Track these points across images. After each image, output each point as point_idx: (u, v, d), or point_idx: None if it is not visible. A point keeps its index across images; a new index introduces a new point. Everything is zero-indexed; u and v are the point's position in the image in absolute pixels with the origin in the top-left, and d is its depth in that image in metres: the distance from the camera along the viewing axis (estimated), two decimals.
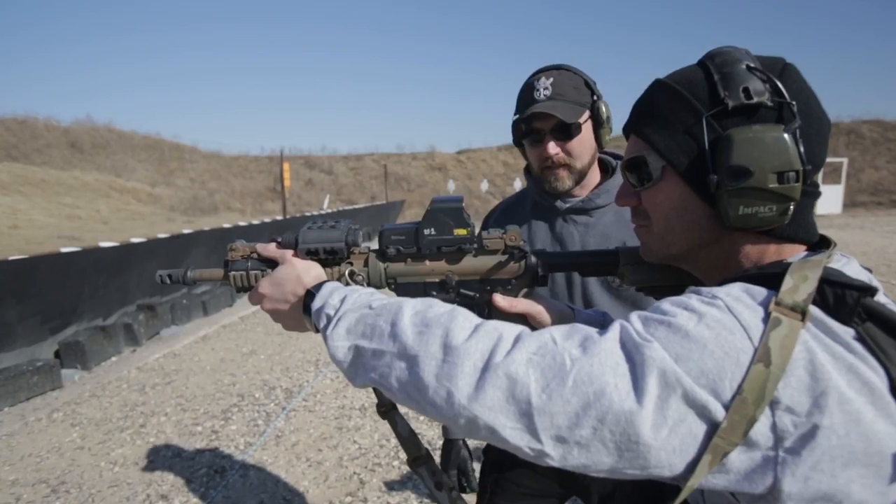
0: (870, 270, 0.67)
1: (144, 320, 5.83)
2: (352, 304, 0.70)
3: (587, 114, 1.26)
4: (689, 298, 0.59)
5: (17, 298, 4.48)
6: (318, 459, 3.24)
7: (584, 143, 1.27)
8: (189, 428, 3.72)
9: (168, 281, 0.89)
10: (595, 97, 1.28)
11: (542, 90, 1.24)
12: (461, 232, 0.81)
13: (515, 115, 1.31)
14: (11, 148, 25.21)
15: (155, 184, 26.53)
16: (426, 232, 0.81)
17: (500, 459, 1.41)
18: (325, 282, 0.78)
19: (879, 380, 0.52)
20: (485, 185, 25.32)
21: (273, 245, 0.86)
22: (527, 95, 1.26)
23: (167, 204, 23.65)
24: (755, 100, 0.62)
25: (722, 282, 0.63)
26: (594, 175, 1.33)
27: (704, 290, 0.60)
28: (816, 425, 0.50)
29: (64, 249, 5.22)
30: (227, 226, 8.62)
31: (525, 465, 1.34)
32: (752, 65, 0.64)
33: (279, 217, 12.41)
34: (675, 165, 0.67)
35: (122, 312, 5.84)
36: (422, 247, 0.82)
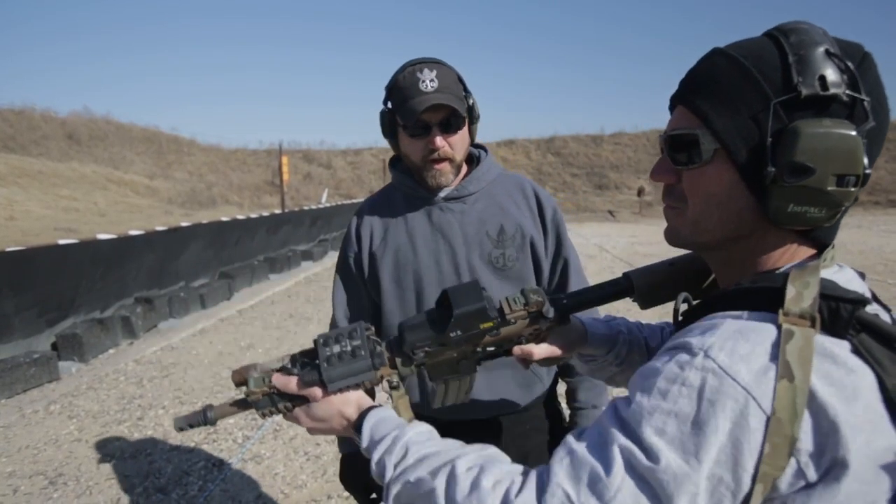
0: (863, 275, 0.66)
1: (142, 313, 5.83)
2: (393, 473, 0.69)
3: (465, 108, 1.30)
4: (683, 370, 0.55)
5: (14, 290, 4.46)
6: (317, 453, 3.25)
7: (463, 138, 1.32)
8: None
9: (188, 428, 0.84)
10: (466, 93, 1.32)
11: (427, 82, 1.24)
12: (487, 325, 0.81)
13: (387, 104, 1.32)
14: (8, 139, 25.07)
15: (153, 176, 26.44)
16: (453, 335, 0.81)
17: None
18: (366, 414, 0.77)
19: (875, 394, 0.53)
20: None
21: (294, 381, 0.79)
22: (410, 87, 1.24)
23: (165, 197, 23.57)
24: (830, 91, 0.56)
25: (728, 290, 0.62)
26: (463, 166, 1.38)
27: (694, 344, 0.56)
28: (833, 460, 0.51)
29: (61, 241, 5.20)
30: (224, 219, 8.59)
31: None
32: (831, 50, 0.57)
33: (277, 211, 12.36)
34: (731, 151, 0.61)
35: (119, 305, 5.82)
36: (449, 345, 0.83)
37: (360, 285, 1.41)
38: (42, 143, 26.10)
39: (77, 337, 4.91)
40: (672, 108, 0.69)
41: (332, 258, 11.26)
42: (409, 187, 1.38)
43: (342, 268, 1.44)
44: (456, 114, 1.26)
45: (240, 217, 9.09)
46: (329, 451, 3.25)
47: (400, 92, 1.27)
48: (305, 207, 13.82)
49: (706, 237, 0.66)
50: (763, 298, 0.57)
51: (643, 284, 0.82)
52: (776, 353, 0.53)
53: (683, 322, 0.68)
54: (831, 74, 0.56)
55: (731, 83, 0.61)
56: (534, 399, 1.36)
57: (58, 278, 4.90)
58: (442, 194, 1.35)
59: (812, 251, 0.64)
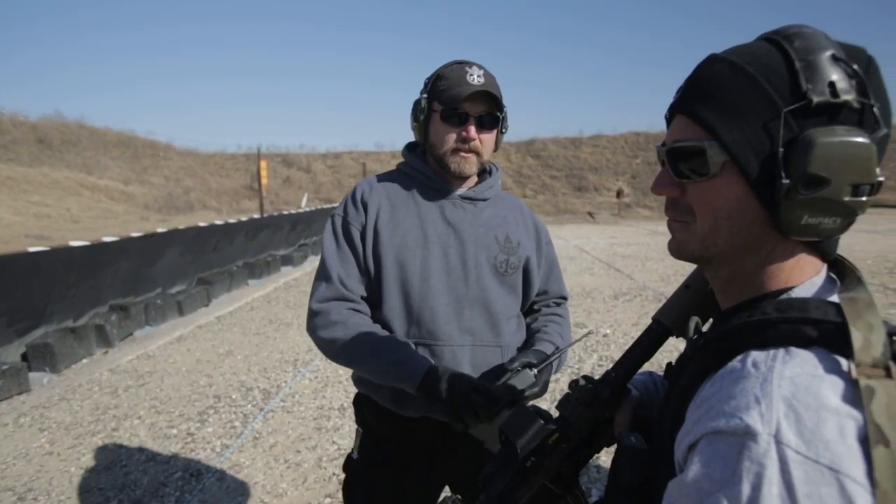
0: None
1: (117, 321, 5.69)
2: None
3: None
4: (760, 466, 0.47)
5: None
6: (297, 461, 3.20)
7: (491, 140, 1.38)
8: (164, 431, 3.63)
9: None
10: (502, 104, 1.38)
11: (475, 77, 1.32)
12: (554, 437, 0.81)
13: (424, 93, 1.37)
14: None
15: (128, 181, 25.95)
16: (529, 464, 0.80)
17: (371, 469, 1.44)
18: None
19: None
20: None
21: None
22: (457, 77, 1.31)
23: (141, 202, 23.15)
24: (841, 98, 0.53)
25: (738, 305, 0.60)
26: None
27: (755, 427, 0.48)
28: None
29: (32, 249, 5.06)
30: (202, 224, 8.45)
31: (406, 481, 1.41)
32: (837, 54, 0.55)
33: (256, 215, 12.22)
34: (742, 164, 0.58)
35: (93, 313, 5.68)
36: (531, 475, 0.82)
37: (358, 254, 1.38)
38: (11, 147, 25.43)
39: (49, 346, 4.77)
40: (670, 117, 0.66)
41: (311, 263, 11.16)
42: (425, 176, 1.41)
43: (343, 231, 1.39)
44: (495, 110, 1.33)
45: (218, 222, 8.96)
46: (310, 459, 3.21)
47: (445, 81, 1.33)
48: (285, 212, 13.67)
49: (714, 251, 0.63)
50: (803, 332, 0.53)
51: (675, 319, 0.80)
52: (856, 413, 0.47)
53: (703, 356, 0.62)
54: (840, 80, 0.54)
55: (737, 92, 0.58)
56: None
57: (28, 287, 4.77)
58: (458, 192, 1.39)
59: (819, 263, 0.62)
